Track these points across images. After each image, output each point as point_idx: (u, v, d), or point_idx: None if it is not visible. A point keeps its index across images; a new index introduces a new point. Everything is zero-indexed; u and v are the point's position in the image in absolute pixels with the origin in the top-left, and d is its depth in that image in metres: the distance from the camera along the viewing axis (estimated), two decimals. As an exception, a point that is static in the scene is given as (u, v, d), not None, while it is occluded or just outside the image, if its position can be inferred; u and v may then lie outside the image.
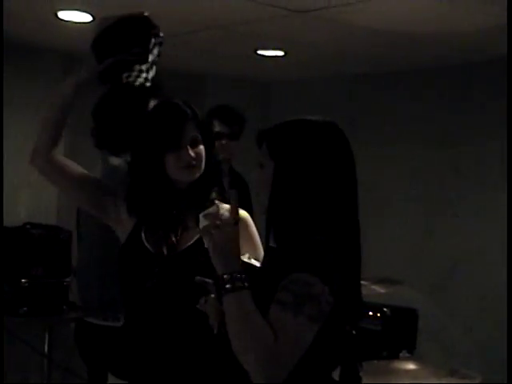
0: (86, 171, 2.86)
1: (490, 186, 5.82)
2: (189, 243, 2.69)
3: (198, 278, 2.37)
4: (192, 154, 2.66)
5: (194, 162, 2.67)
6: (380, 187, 6.28)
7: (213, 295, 2.22)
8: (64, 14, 4.87)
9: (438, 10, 4.48)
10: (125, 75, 2.74)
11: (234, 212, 2.10)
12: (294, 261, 2.01)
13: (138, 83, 2.75)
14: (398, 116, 6.45)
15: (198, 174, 2.69)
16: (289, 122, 2.19)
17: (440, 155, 6.17)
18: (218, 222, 2.06)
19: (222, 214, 2.13)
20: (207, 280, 2.25)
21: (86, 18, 4.89)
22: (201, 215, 2.13)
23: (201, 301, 2.31)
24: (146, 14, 2.81)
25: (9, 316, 5.50)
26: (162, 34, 2.83)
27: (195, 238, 2.66)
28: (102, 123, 3.59)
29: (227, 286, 2.00)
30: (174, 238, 2.69)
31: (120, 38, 2.76)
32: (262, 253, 2.63)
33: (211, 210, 2.16)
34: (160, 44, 2.84)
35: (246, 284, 2.00)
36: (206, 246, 2.10)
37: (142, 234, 2.73)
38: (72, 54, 6.07)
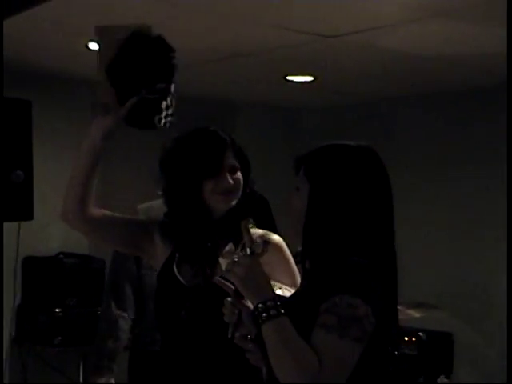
0: (120, 217, 2.78)
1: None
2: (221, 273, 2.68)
3: (216, 278, 2.36)
4: (230, 180, 2.65)
5: (232, 189, 2.65)
6: (410, 211, 6.24)
7: (229, 299, 2.20)
8: (95, 45, 4.90)
9: (467, 33, 4.47)
10: (156, 118, 2.56)
11: (248, 242, 2.11)
12: (334, 283, 2.00)
13: (168, 124, 2.59)
14: (427, 139, 6.42)
15: (234, 202, 2.67)
16: (326, 146, 2.20)
17: (470, 176, 6.13)
18: (235, 259, 2.07)
19: (238, 250, 2.13)
20: (226, 282, 2.23)
21: (116, 48, 4.93)
22: (220, 258, 2.14)
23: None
24: (152, 30, 2.56)
25: (43, 346, 5.52)
26: (175, 55, 2.60)
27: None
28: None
29: (263, 315, 1.99)
30: (208, 270, 2.66)
31: (139, 67, 2.54)
32: (297, 276, 2.62)
33: (227, 248, 2.16)
34: (176, 67, 2.63)
35: (281, 310, 1.99)
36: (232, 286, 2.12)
37: (174, 266, 2.71)
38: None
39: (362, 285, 2.00)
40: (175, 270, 2.70)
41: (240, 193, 2.68)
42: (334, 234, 2.10)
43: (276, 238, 2.71)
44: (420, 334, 5.03)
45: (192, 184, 2.65)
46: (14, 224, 4.99)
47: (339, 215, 2.09)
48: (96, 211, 2.69)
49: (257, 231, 2.67)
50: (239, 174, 2.68)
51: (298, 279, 2.60)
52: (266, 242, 2.66)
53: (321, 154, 2.18)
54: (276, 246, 2.70)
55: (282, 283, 2.52)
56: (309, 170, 2.15)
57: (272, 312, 1.98)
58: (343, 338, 1.94)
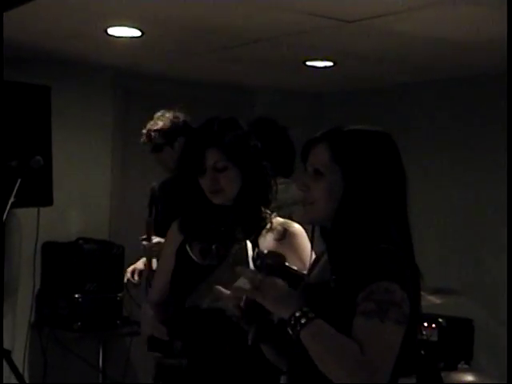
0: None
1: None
2: (233, 252, 2.76)
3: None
4: (212, 180, 2.74)
5: (213, 190, 2.75)
6: (425, 196, 6.21)
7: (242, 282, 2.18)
8: (114, 30, 4.90)
9: (486, 18, 4.43)
10: None
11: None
12: (368, 272, 2.01)
13: None
14: (444, 124, 6.39)
15: (224, 198, 2.77)
16: (351, 131, 2.18)
17: (487, 162, 6.09)
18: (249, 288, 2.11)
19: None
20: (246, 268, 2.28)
21: (135, 33, 4.92)
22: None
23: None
24: None
25: (63, 331, 5.54)
26: None
27: (239, 247, 2.72)
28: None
29: (295, 326, 2.00)
30: (222, 250, 2.77)
31: None
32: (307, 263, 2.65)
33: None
34: None
35: (311, 316, 1.99)
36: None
37: (187, 246, 2.83)
38: (122, 69, 6.12)
39: (396, 271, 2.01)
40: (188, 249, 2.82)
41: (231, 188, 2.76)
42: (369, 220, 2.10)
43: (295, 226, 2.80)
44: (440, 320, 5.01)
45: (188, 181, 2.80)
46: (34, 209, 5.01)
47: (373, 202, 2.10)
48: None
49: (278, 219, 2.79)
50: (228, 172, 2.75)
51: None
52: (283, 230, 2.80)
53: (350, 139, 2.16)
54: (294, 235, 2.79)
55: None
56: (341, 156, 2.12)
57: (303, 321, 1.99)
58: (384, 322, 1.95)
